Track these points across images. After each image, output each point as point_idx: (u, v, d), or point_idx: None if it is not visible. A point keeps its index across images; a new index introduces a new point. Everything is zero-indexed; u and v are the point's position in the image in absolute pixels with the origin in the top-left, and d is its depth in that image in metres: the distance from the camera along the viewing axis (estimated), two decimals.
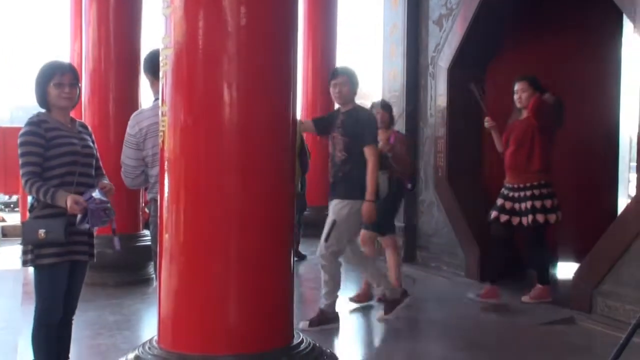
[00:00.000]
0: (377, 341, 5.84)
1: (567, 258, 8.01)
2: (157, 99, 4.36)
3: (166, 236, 3.36)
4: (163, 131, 3.37)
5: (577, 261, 6.83)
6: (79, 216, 3.83)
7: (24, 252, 3.87)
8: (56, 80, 3.89)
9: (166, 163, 3.35)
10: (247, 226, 3.28)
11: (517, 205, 6.45)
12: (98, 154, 4.19)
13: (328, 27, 11.61)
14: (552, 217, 6.39)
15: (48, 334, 3.90)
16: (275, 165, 3.38)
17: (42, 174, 3.82)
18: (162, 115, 3.38)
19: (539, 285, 6.54)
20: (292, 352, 3.38)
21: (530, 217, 6.33)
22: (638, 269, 5.30)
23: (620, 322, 5.30)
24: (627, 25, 7.47)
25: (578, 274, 5.98)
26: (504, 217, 6.52)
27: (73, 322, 4.16)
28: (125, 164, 4.75)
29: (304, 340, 3.51)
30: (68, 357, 4.12)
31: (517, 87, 6.53)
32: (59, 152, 3.84)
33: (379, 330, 5.99)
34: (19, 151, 3.82)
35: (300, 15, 10.50)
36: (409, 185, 6.84)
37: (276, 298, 3.44)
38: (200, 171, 3.28)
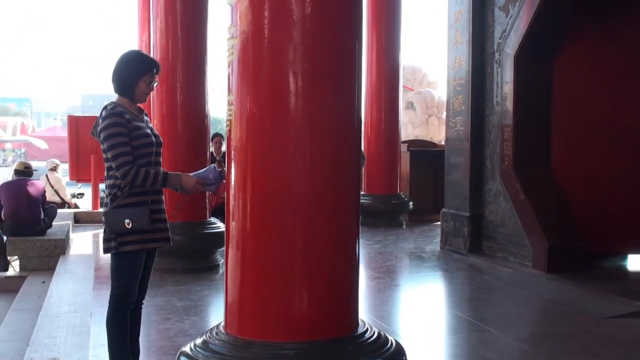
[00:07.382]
0: (437, 333, 5.79)
1: (636, 250, 7.82)
2: None
3: (232, 224, 3.40)
4: (230, 120, 3.41)
5: None
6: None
7: (107, 240, 3.91)
8: (150, 78, 3.93)
9: (233, 152, 3.39)
10: (313, 214, 3.30)
11: None
12: None
13: (392, 14, 11.54)
14: None
15: (123, 317, 3.98)
16: (342, 152, 3.38)
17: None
18: (229, 104, 3.42)
19: None
20: (357, 341, 3.39)
21: None
22: None
23: None
24: None
25: None
26: None
27: (142, 306, 4.25)
28: None
29: (369, 329, 3.51)
30: (138, 340, 4.20)
31: None
32: (140, 143, 3.87)
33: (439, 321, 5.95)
34: (109, 142, 3.78)
35: (365, 4, 10.43)
36: None
37: (341, 286, 3.45)
38: (266, 159, 3.30)
